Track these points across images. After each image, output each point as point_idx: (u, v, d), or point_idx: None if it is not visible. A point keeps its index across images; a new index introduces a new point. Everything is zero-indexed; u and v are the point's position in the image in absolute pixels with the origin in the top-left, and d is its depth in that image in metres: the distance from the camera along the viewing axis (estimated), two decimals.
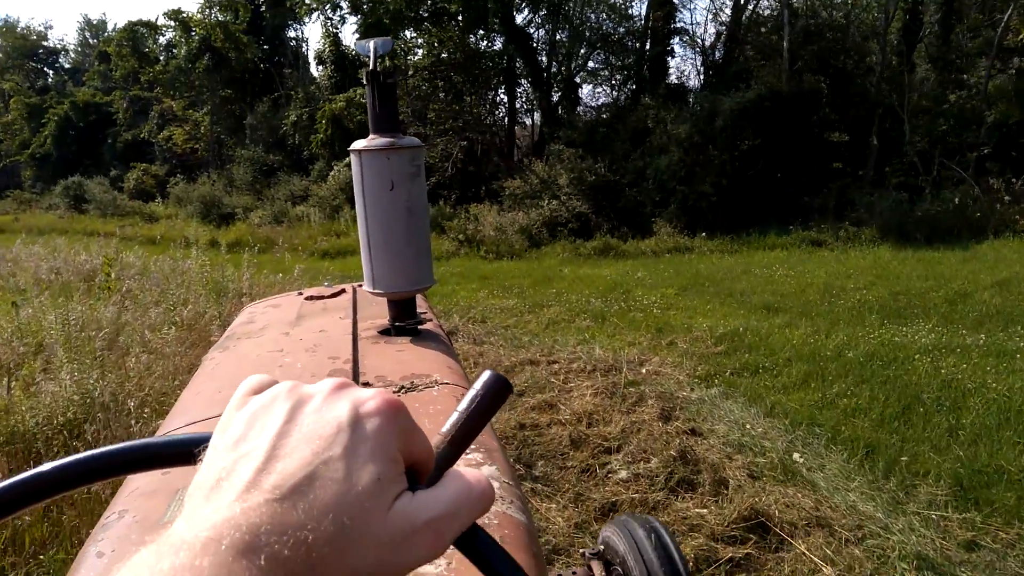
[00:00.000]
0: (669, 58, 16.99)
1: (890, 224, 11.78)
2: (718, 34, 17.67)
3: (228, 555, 0.30)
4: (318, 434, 0.36)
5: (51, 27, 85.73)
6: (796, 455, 4.15)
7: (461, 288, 10.50)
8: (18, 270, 8.43)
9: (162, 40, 29.54)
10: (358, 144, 1.82)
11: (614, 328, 7.43)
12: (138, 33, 28.77)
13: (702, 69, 16.93)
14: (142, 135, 33.35)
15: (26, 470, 0.45)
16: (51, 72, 46.61)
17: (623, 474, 3.86)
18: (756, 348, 6.23)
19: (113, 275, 7.48)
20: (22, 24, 46.24)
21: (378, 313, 2.07)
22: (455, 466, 0.42)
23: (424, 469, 0.40)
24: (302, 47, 29.73)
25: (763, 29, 16.40)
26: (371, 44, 1.81)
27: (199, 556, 0.30)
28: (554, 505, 3.62)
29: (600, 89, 18.95)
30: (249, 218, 21.39)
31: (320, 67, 25.43)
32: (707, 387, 5.41)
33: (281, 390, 0.40)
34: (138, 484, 1.12)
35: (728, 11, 17.27)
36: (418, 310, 1.98)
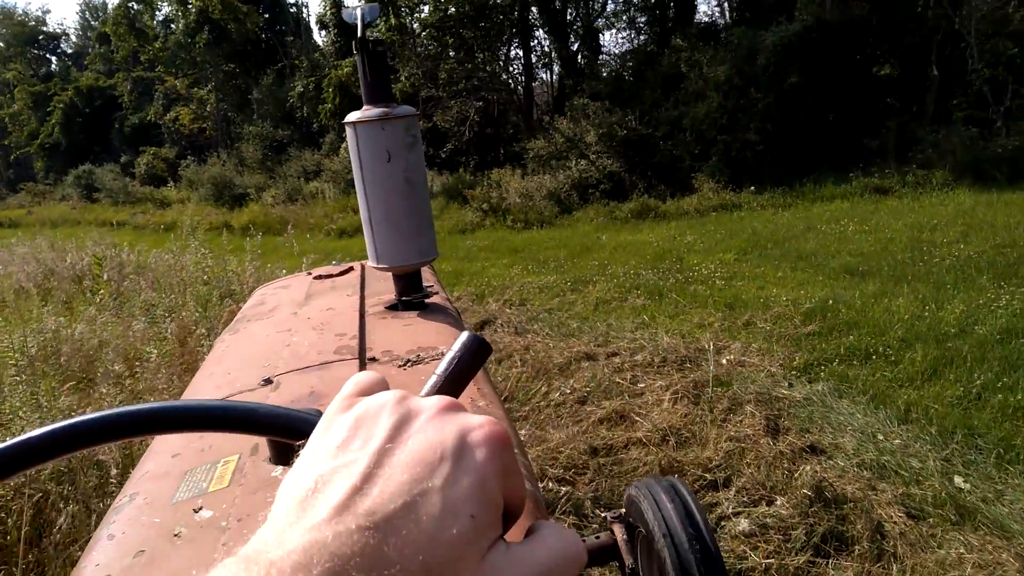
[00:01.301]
0: None
1: (963, 164, 10.56)
2: None
3: None
4: (420, 459, 0.34)
5: (48, 11, 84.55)
6: (959, 480, 3.19)
7: (491, 264, 9.55)
8: (4, 276, 7.66)
9: (159, 15, 28.39)
10: (352, 116, 1.77)
11: (675, 306, 6.45)
12: (133, 10, 27.64)
13: (733, 2, 15.51)
14: (148, 118, 32.51)
15: None
16: (54, 58, 45.76)
17: (744, 525, 2.93)
18: (857, 325, 5.22)
19: (105, 275, 6.62)
20: (19, 10, 45.25)
21: (385, 289, 2.07)
22: (555, 524, 0.39)
23: (515, 511, 0.37)
24: (303, 13, 28.44)
25: None
26: (358, 11, 1.77)
27: None
28: None
29: (622, 35, 17.59)
30: (262, 198, 20.53)
31: (323, 32, 24.24)
32: (810, 381, 4.43)
33: (390, 400, 0.38)
34: (149, 468, 1.14)
35: None
36: (424, 284, 1.95)
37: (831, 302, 5.78)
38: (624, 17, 17.10)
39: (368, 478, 0.32)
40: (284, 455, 0.90)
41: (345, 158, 18.80)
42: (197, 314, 4.78)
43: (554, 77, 19.72)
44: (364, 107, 1.77)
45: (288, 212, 17.91)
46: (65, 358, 3.72)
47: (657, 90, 13.91)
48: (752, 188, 11.62)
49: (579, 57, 17.32)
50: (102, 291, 6.12)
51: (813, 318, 5.49)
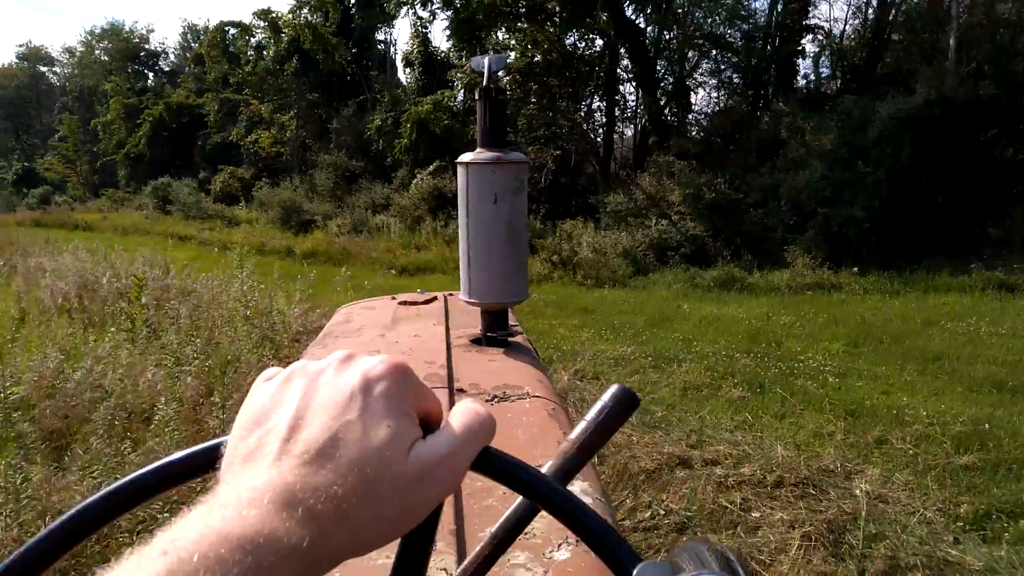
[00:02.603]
0: (799, 59, 14.73)
1: None
2: (860, 31, 15.26)
3: (271, 508, 0.34)
4: (334, 401, 0.40)
5: (153, 30, 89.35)
6: None
7: (559, 324, 8.69)
8: (35, 286, 7.16)
9: (253, 41, 29.14)
10: (466, 157, 1.85)
11: (781, 404, 5.43)
12: (228, 34, 28.42)
13: (839, 72, 14.57)
14: (231, 138, 33.24)
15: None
16: (151, 74, 47.83)
17: None
18: None
19: (144, 298, 6.02)
20: (126, 27, 47.62)
21: (468, 323, 2.10)
22: (460, 402, 0.45)
23: (435, 420, 0.44)
24: (390, 50, 28.74)
25: (918, 24, 13.92)
26: (485, 60, 1.84)
27: (245, 508, 0.34)
28: None
29: (714, 95, 16.84)
30: (328, 226, 20.29)
31: (407, 70, 24.28)
32: (986, 540, 3.38)
33: (295, 369, 0.43)
34: None
35: (873, 2, 14.85)
36: (509, 323, 1.98)
37: (987, 426, 4.68)
38: (720, 77, 16.34)
39: (294, 428, 0.38)
40: None
41: (415, 194, 18.41)
42: (224, 365, 4.04)
43: (636, 132, 19.03)
44: (478, 149, 1.84)
45: (352, 243, 17.52)
46: (51, 408, 3.00)
47: (752, 154, 13.00)
48: (855, 269, 10.49)
49: (666, 113, 16.58)
50: (136, 317, 5.50)
51: (968, 446, 4.40)
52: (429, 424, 0.43)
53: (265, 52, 27.95)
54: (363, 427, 0.38)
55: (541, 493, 0.46)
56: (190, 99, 37.79)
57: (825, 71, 15.41)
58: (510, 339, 1.95)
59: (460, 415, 0.43)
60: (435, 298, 2.53)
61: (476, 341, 1.94)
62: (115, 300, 6.48)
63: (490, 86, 1.79)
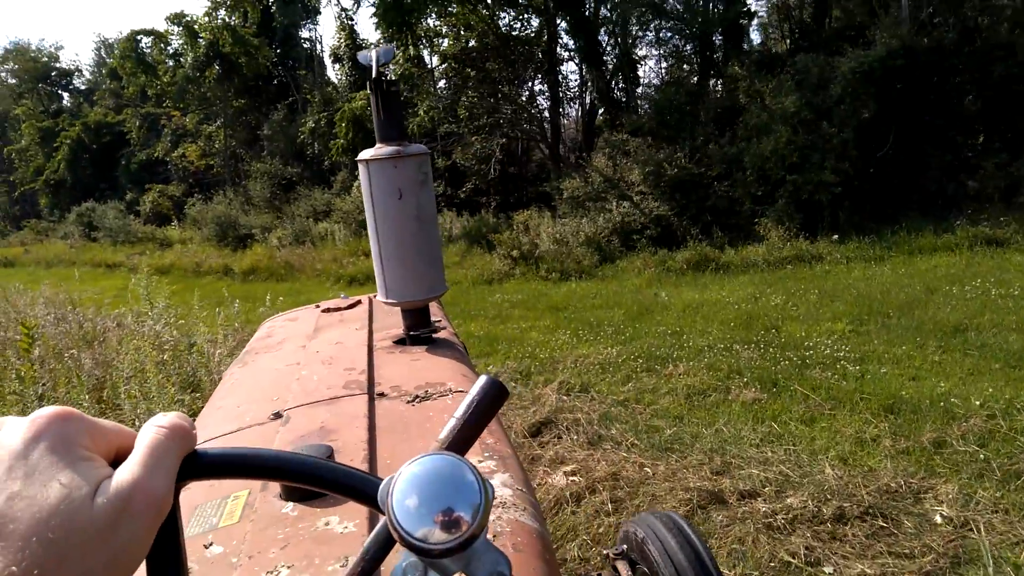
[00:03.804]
0: (746, 20, 14.11)
1: None
2: None
3: None
4: None
5: (62, 47, 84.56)
6: None
7: (530, 327, 7.85)
8: None
9: (169, 49, 27.37)
10: (365, 154, 1.81)
11: (804, 404, 4.69)
12: (142, 43, 26.66)
13: (787, 31, 14.01)
14: (156, 154, 31.38)
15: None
16: (66, 95, 45.12)
17: None
18: None
19: (37, 351, 4.94)
20: (33, 46, 44.72)
21: (393, 323, 2.07)
22: (148, 421, 0.43)
23: (127, 451, 0.41)
24: (316, 47, 27.35)
25: None
26: (372, 52, 1.81)
27: None
28: None
29: (662, 66, 16.13)
30: (268, 239, 19.03)
31: (336, 66, 23.03)
32: None
33: None
34: None
35: None
36: (433, 318, 1.96)
37: None
38: (667, 46, 15.62)
39: None
40: (294, 492, 1.00)
41: (357, 197, 17.32)
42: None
43: (583, 112, 18.26)
44: (377, 145, 1.81)
45: (294, 256, 16.34)
46: None
47: (709, 124, 12.34)
48: (834, 237, 9.91)
49: (614, 88, 15.82)
50: (25, 376, 4.44)
51: None
52: (121, 458, 0.41)
53: (183, 59, 26.25)
54: (31, 493, 0.36)
55: (271, 468, 0.45)
56: (109, 117, 35.61)
57: (772, 31, 14.86)
58: (434, 335, 1.92)
59: (144, 434, 0.41)
60: (359, 302, 2.48)
61: (400, 341, 1.92)
62: (4, 347, 5.37)
63: (380, 78, 1.74)
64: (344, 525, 0.98)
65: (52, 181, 36.05)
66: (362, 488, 0.47)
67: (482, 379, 0.51)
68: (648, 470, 3.90)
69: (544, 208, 15.24)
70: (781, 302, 7.49)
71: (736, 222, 11.22)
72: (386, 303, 1.91)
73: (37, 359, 4.84)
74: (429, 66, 19.68)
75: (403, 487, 0.43)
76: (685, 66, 15.06)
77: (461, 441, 0.49)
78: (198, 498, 1.11)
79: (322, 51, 28.02)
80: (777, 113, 10.92)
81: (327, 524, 0.99)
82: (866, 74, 10.40)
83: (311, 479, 0.47)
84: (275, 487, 1.07)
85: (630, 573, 1.88)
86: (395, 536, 0.43)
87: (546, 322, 8.06)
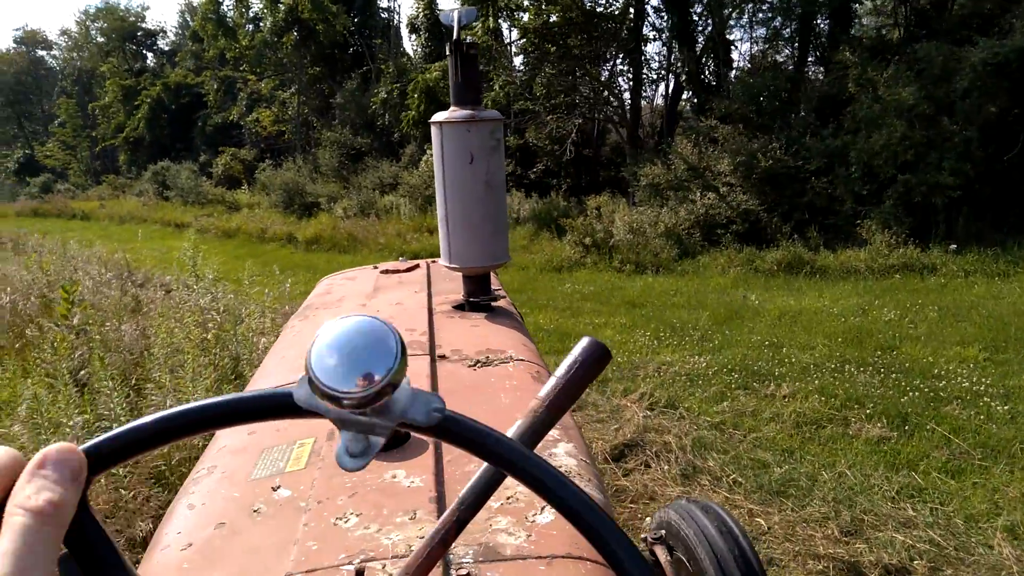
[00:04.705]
0: (856, 3, 12.90)
1: None
2: None
3: None
4: None
5: (148, 7, 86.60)
6: None
7: (604, 323, 7.17)
8: None
9: (250, 13, 27.41)
10: (439, 116, 1.78)
11: (946, 449, 3.89)
12: (223, 5, 26.75)
13: (902, 16, 12.73)
14: (231, 118, 31.70)
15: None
16: (150, 55, 46.19)
17: None
18: None
19: (76, 317, 4.54)
20: (122, 5, 45.93)
21: (452, 289, 2.06)
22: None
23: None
24: (394, 17, 26.96)
25: None
26: (455, 13, 1.77)
27: None
28: None
29: (756, 49, 14.97)
30: (333, 209, 18.79)
31: (413, 36, 22.51)
32: None
33: None
34: (226, 442, 1.16)
35: None
36: (492, 287, 1.94)
37: None
38: (767, 27, 14.47)
39: None
40: None
41: (424, 171, 16.86)
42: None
43: (667, 95, 17.28)
44: (451, 108, 1.79)
45: (358, 227, 16.00)
46: None
47: (810, 114, 11.30)
48: (952, 246, 8.85)
49: (705, 71, 14.81)
50: (58, 347, 4.03)
51: None
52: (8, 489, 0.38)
53: (262, 24, 26.24)
54: None
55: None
56: (188, 78, 36.21)
57: (885, 17, 13.57)
58: (493, 303, 1.90)
59: (9, 521, 0.36)
60: (417, 266, 2.46)
61: (459, 307, 1.90)
62: (39, 317, 5.01)
63: (460, 40, 1.72)
64: (411, 480, 0.97)
65: (131, 139, 36.99)
66: (273, 402, 0.45)
67: (584, 340, 0.50)
68: (761, 521, 3.20)
69: (618, 194, 14.45)
70: (895, 318, 6.59)
71: (834, 222, 10.23)
72: (449, 267, 1.89)
73: (75, 328, 4.44)
74: (507, 40, 18.98)
75: (320, 346, 0.43)
76: (786, 50, 13.93)
77: (561, 399, 0.48)
78: (266, 441, 1.12)
79: (399, 21, 27.66)
80: (891, 105, 9.83)
81: (394, 477, 0.98)
82: (1000, 66, 9.22)
83: (217, 420, 0.46)
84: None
85: (668, 558, 1.85)
86: (316, 392, 0.43)
87: (622, 319, 7.37)
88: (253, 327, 4.34)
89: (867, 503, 3.36)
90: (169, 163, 29.82)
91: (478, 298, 1.89)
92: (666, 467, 3.77)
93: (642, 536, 2.02)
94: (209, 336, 4.02)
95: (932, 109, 9.67)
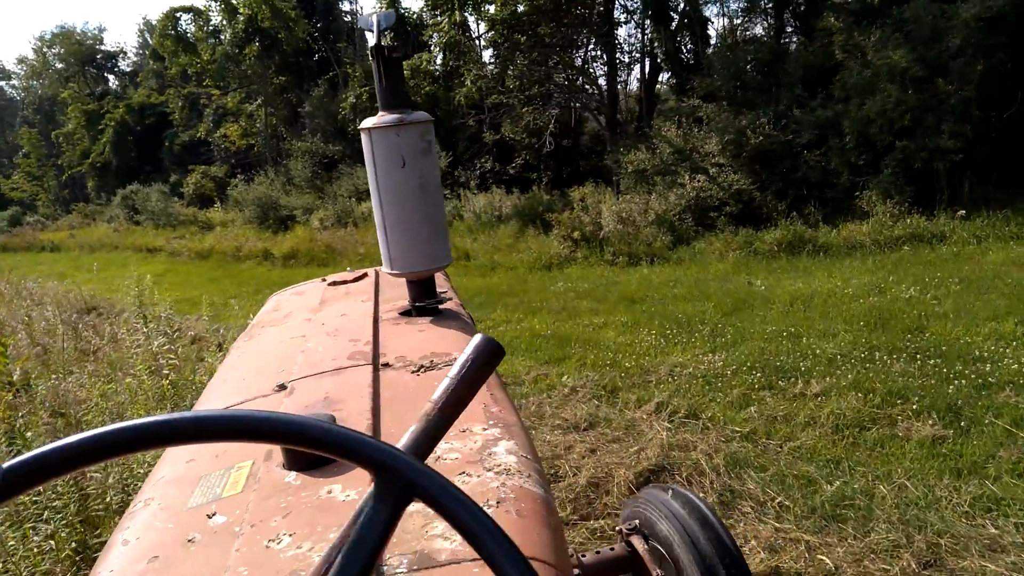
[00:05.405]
0: None
1: None
2: None
3: None
4: None
5: (105, 29, 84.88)
6: None
7: (605, 324, 6.69)
8: None
9: (209, 27, 26.62)
10: (367, 122, 1.81)
11: (1015, 447, 3.43)
12: (181, 20, 25.98)
13: None
14: (199, 135, 30.90)
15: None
16: (112, 77, 45.12)
17: None
18: None
19: (16, 373, 3.98)
20: (78, 29, 44.67)
21: (399, 295, 2.08)
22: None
23: None
24: (357, 20, 26.25)
25: None
26: (373, 18, 1.77)
27: None
28: None
29: (736, 23, 14.50)
30: (309, 220, 18.20)
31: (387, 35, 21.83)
32: None
33: None
34: (164, 473, 1.17)
35: None
36: (438, 289, 1.97)
37: None
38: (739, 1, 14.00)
39: None
40: (298, 461, 1.01)
41: None
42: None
43: (642, 78, 16.81)
44: (379, 113, 1.80)
45: (336, 238, 15.46)
46: None
47: (796, 86, 10.85)
48: (961, 212, 8.43)
49: (683, 50, 14.33)
50: None
51: None
52: None
53: (222, 36, 25.50)
54: None
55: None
56: (152, 98, 35.33)
57: None
58: (440, 307, 1.92)
59: None
60: (366, 275, 2.47)
61: (405, 313, 1.92)
62: None
63: (382, 44, 1.71)
64: (346, 493, 0.98)
65: (98, 164, 36.05)
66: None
67: (476, 338, 0.50)
68: (824, 559, 2.72)
69: (601, 184, 13.97)
70: (916, 294, 6.14)
71: (832, 196, 9.81)
72: (391, 274, 1.90)
73: (15, 384, 3.87)
74: (476, 33, 18.44)
75: None
76: (762, 22, 13.47)
77: (455, 399, 0.48)
78: (203, 468, 1.12)
79: None
80: (883, 70, 9.40)
81: (329, 492, 0.98)
82: (993, 21, 8.82)
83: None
84: (279, 456, 1.07)
85: (646, 548, 1.82)
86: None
87: (622, 317, 6.88)
88: (216, 369, 3.80)
89: (939, 522, 2.89)
90: (138, 186, 29.02)
91: (423, 302, 1.89)
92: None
93: (616, 528, 2.03)
94: (164, 383, 3.49)
95: (925, 71, 9.24)
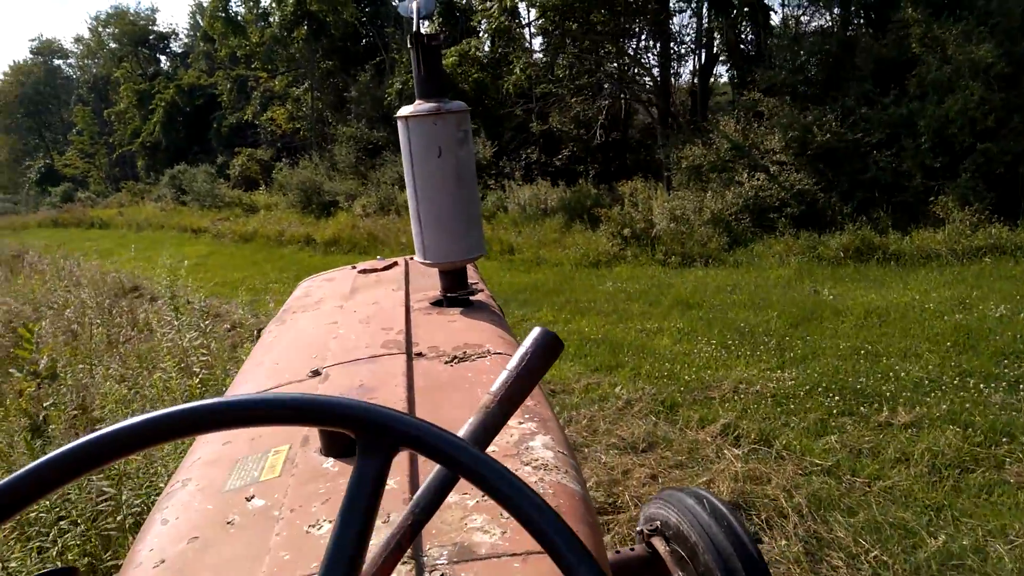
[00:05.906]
0: None
1: None
2: None
3: None
4: None
5: (158, 10, 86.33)
6: None
7: (658, 330, 6.28)
8: None
9: (258, 10, 26.69)
10: (404, 110, 1.76)
11: None
12: (231, 2, 26.08)
13: None
14: (246, 117, 31.10)
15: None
16: (163, 58, 45.83)
17: None
18: None
19: (42, 361, 3.77)
20: (131, 10, 45.51)
21: (430, 285, 2.07)
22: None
23: None
24: (397, 5, 26.00)
25: None
26: (413, 4, 1.75)
27: None
28: None
29: (796, 14, 13.81)
30: (352, 207, 18.07)
31: (426, 23, 21.58)
32: None
33: None
34: (200, 455, 1.16)
35: None
36: (469, 280, 1.94)
37: None
38: None
39: None
40: (336, 446, 1.00)
41: None
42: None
43: (696, 70, 16.19)
44: (416, 102, 1.76)
45: (378, 226, 15.23)
46: None
47: (866, 81, 10.21)
48: None
49: (743, 40, 13.71)
50: (11, 407, 3.28)
51: None
52: None
53: (271, 19, 25.52)
54: None
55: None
56: (201, 79, 35.71)
57: None
58: (471, 298, 1.90)
59: None
60: (396, 263, 2.46)
61: (437, 303, 1.90)
62: (15, 349, 4.26)
63: (421, 32, 1.70)
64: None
65: (148, 143, 36.62)
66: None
67: (535, 330, 0.50)
68: None
69: (651, 179, 13.47)
70: (1006, 313, 5.61)
71: (903, 200, 9.19)
72: (423, 264, 1.87)
73: (41, 374, 3.66)
74: (525, 20, 18.02)
75: None
76: (827, 13, 12.77)
77: (514, 392, 0.48)
78: (239, 451, 1.12)
79: None
80: (964, 65, 8.74)
81: None
82: None
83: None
84: (315, 442, 1.06)
85: (667, 549, 1.80)
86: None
87: (677, 323, 6.47)
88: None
89: None
90: (186, 166, 29.30)
91: (455, 293, 1.87)
92: (782, 542, 2.89)
93: (637, 529, 2.00)
94: (194, 382, 3.22)
95: (1012, 68, 8.58)
